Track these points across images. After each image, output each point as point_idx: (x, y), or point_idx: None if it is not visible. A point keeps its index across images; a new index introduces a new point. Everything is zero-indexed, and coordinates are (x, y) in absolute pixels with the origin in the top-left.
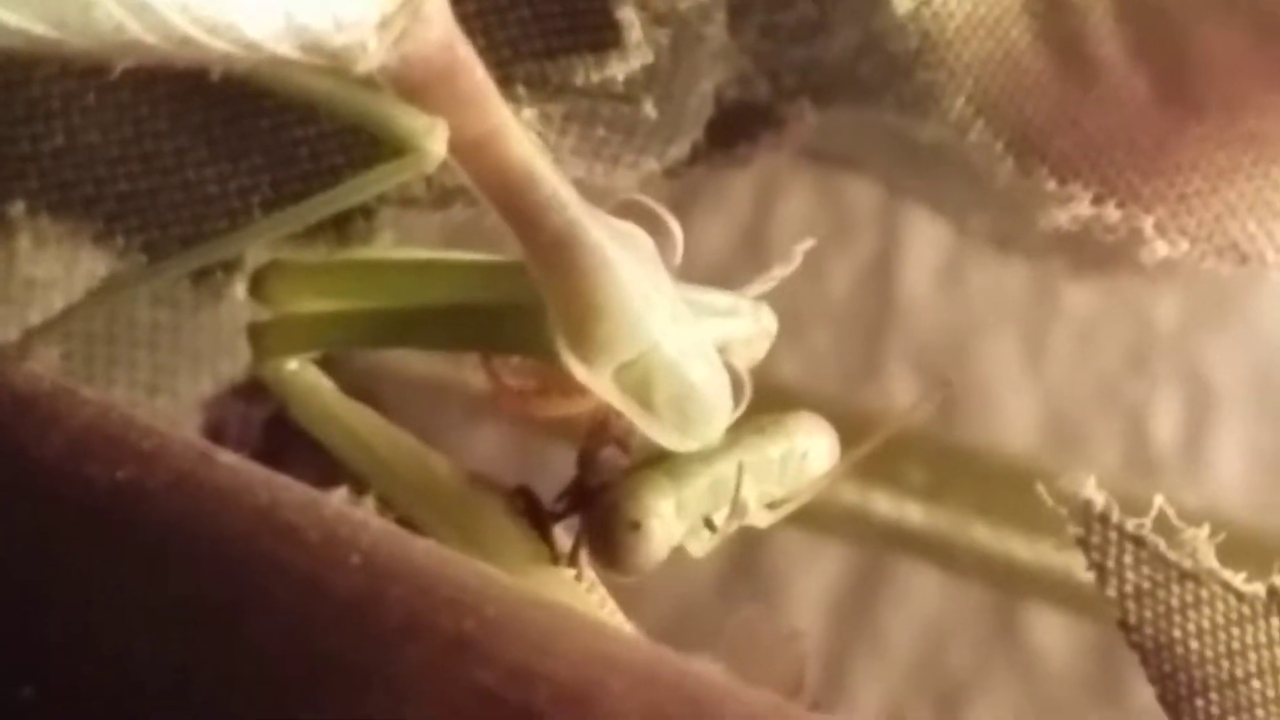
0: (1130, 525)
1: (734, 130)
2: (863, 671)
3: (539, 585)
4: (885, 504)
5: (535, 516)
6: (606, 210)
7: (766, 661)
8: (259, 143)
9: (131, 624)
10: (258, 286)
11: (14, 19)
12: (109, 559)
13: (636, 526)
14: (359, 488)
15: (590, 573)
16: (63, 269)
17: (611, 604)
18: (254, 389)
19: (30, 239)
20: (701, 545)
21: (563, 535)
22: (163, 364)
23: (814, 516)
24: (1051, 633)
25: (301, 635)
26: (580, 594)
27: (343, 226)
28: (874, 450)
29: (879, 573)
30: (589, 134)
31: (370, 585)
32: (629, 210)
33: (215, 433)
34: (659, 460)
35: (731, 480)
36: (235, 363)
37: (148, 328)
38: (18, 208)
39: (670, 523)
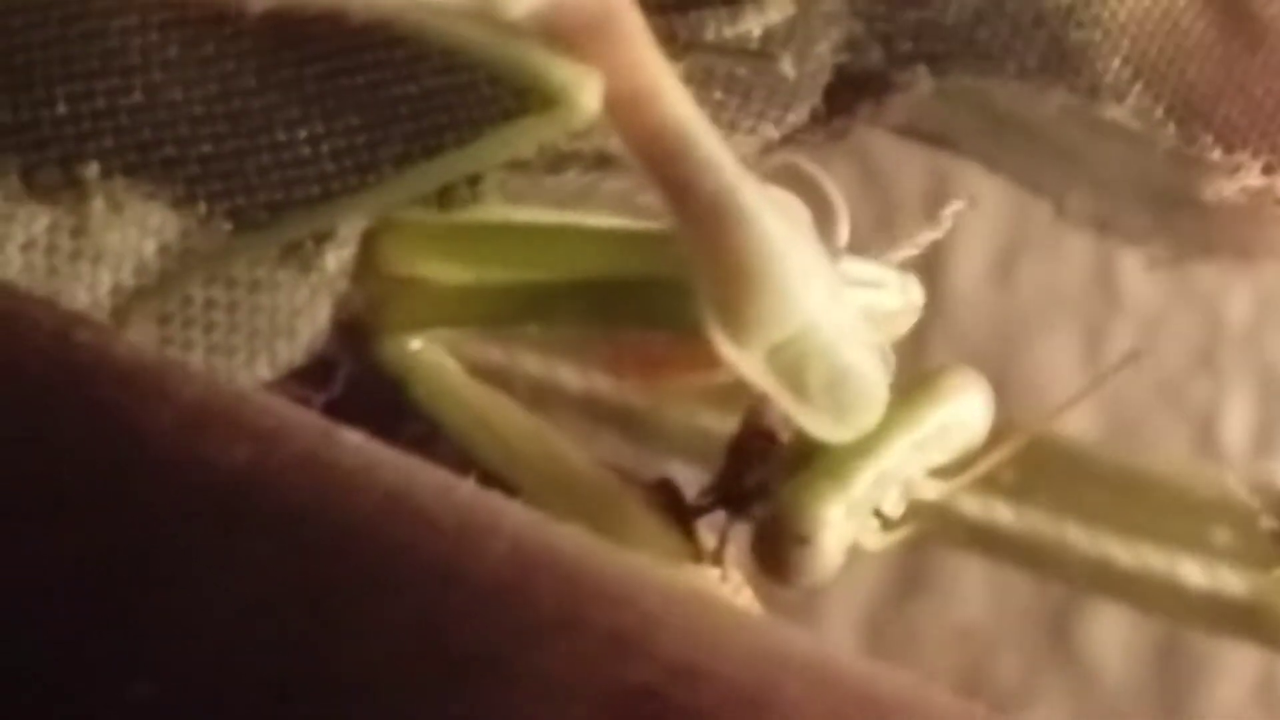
0: None
1: (835, 102)
2: None
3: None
4: (974, 504)
5: (677, 511)
6: (760, 171)
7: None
8: (355, 101)
9: (254, 614)
10: (370, 250)
11: None
12: (228, 544)
13: (806, 540)
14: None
15: (736, 573)
16: (139, 235)
17: (758, 606)
18: (311, 373)
19: (105, 203)
20: (877, 539)
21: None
22: (218, 345)
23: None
24: (1107, 640)
25: (439, 627)
26: (726, 593)
27: (444, 191)
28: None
29: (922, 574)
30: (706, 97)
31: (514, 575)
32: (785, 176)
33: None
34: (815, 455)
35: (897, 468)
36: (293, 346)
37: (202, 307)
38: (92, 169)
39: (841, 528)
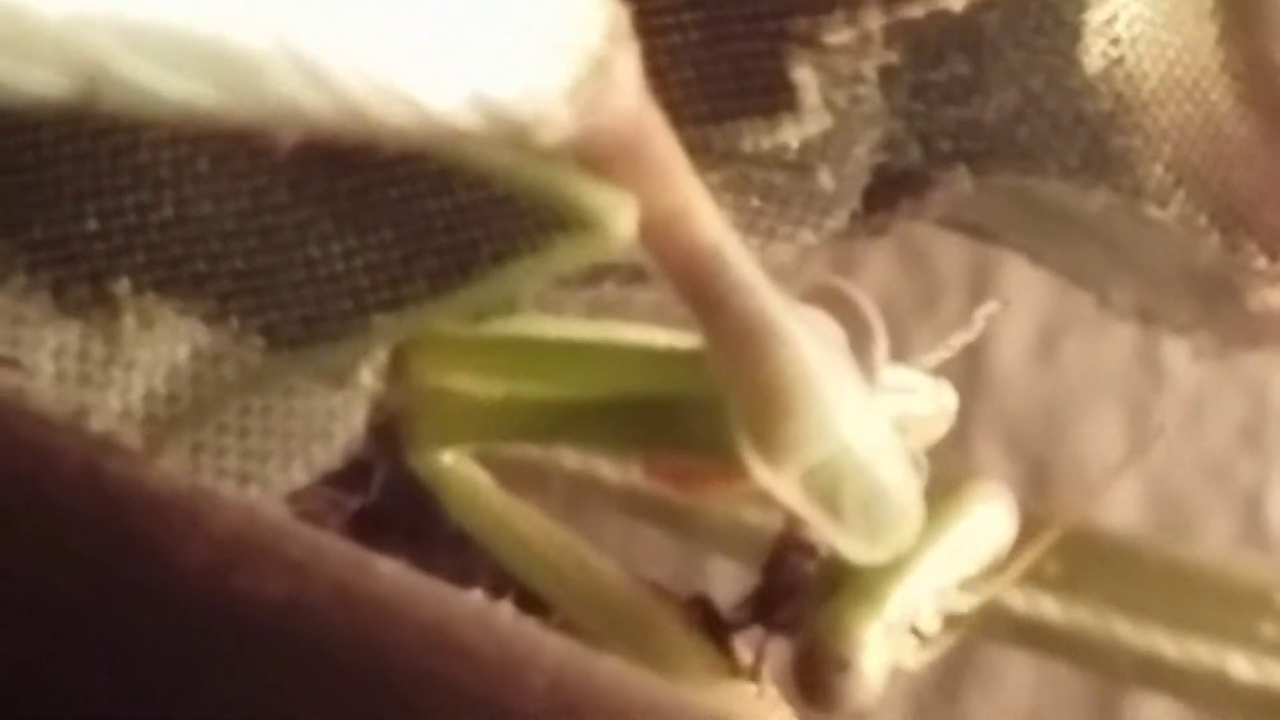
0: None
1: (875, 199)
2: None
3: (719, 700)
4: (1019, 598)
5: (713, 627)
6: (795, 291)
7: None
8: (388, 215)
9: None
10: (401, 361)
11: (183, 86)
12: (263, 679)
13: (846, 665)
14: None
15: (771, 688)
16: (170, 351)
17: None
18: (346, 476)
19: (136, 319)
20: (914, 656)
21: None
22: (252, 450)
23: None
24: None
25: None
26: (764, 709)
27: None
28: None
29: (968, 657)
30: (744, 204)
31: (558, 710)
32: (821, 297)
33: (307, 523)
34: (847, 576)
35: (930, 583)
36: (329, 449)
37: (237, 413)
38: (123, 285)
39: (879, 650)
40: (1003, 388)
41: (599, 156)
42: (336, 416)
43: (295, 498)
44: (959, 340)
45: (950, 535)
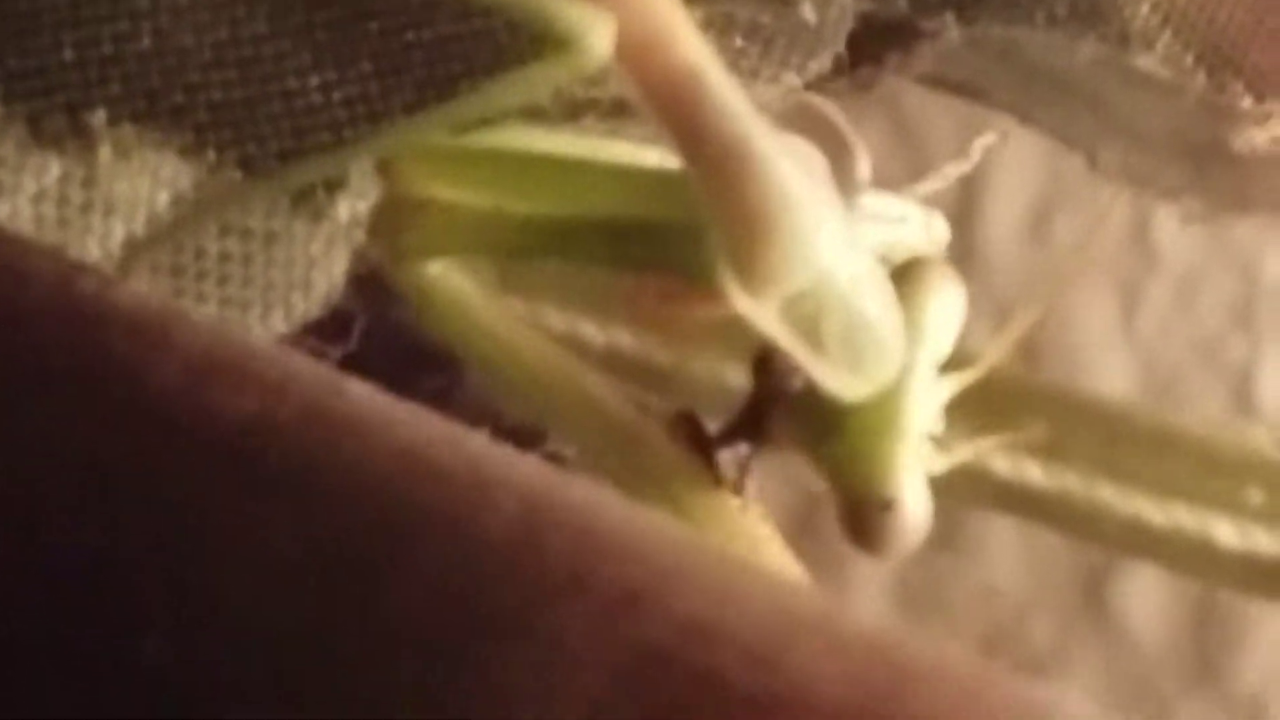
0: None
1: (861, 50)
2: None
3: (702, 513)
4: (1003, 463)
5: (698, 441)
6: (774, 112)
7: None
8: (367, 48)
9: (264, 572)
10: (387, 173)
11: None
12: (237, 498)
13: (891, 503)
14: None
15: (756, 503)
16: (149, 185)
17: (780, 539)
18: (327, 326)
19: (112, 150)
20: (939, 461)
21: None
22: (232, 298)
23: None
24: (1142, 608)
25: (453, 589)
26: (747, 524)
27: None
28: (987, 401)
29: (949, 535)
30: (725, 44)
31: (527, 532)
32: (800, 116)
33: None
34: (851, 408)
35: (927, 385)
36: (308, 298)
37: (216, 259)
38: (99, 116)
39: (918, 477)
40: (993, 264)
41: None
42: (317, 264)
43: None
44: (954, 170)
45: (930, 334)
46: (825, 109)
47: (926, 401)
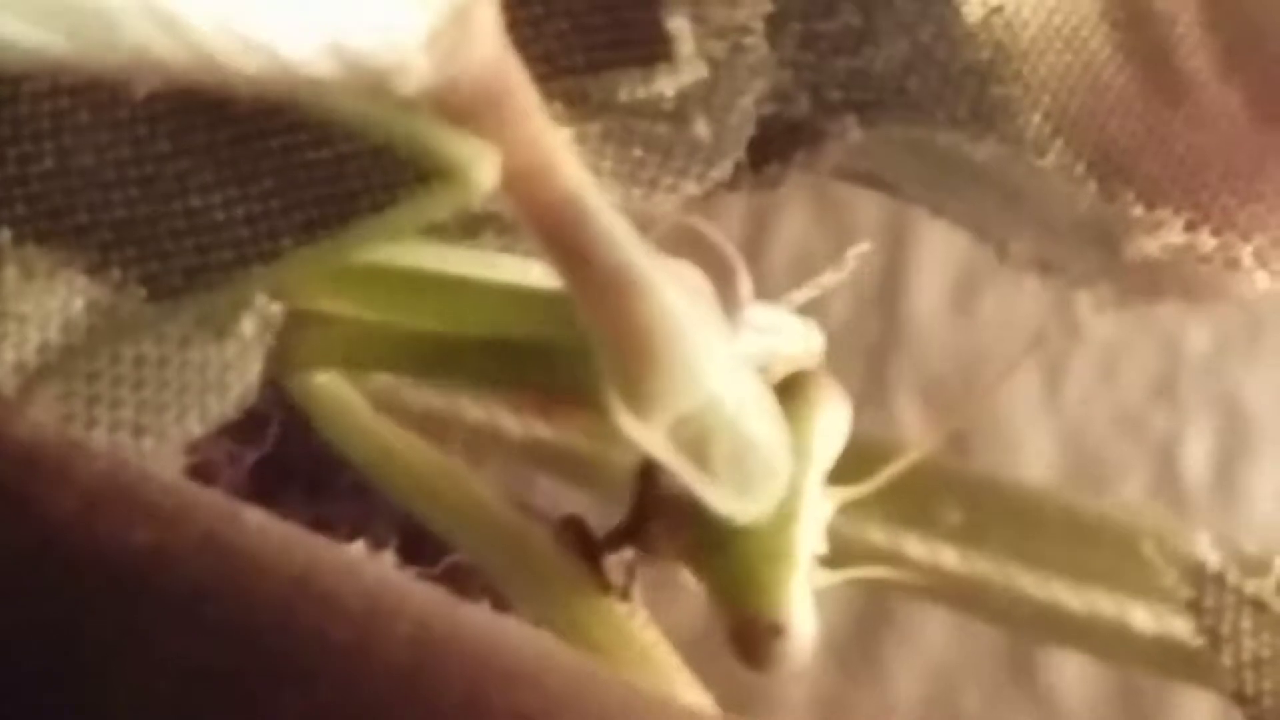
0: (1250, 587)
1: (768, 150)
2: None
3: (588, 618)
4: (918, 548)
5: (585, 547)
6: (656, 234)
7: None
8: (269, 165)
9: (158, 697)
10: (281, 287)
11: (34, 36)
12: (131, 627)
13: (782, 629)
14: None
15: (642, 609)
16: (53, 303)
17: (665, 645)
18: (243, 428)
19: (17, 270)
20: (824, 578)
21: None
22: (148, 402)
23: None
24: (1072, 681)
25: (346, 713)
26: (633, 629)
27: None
28: (903, 486)
29: (886, 611)
30: (625, 155)
31: (422, 658)
32: (680, 238)
33: (203, 475)
34: (739, 531)
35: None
36: (224, 400)
37: (132, 364)
38: (4, 236)
39: (806, 601)
40: (920, 338)
41: (459, 107)
42: (231, 368)
43: (192, 450)
44: (828, 279)
45: (816, 449)
46: (705, 230)
47: (815, 522)
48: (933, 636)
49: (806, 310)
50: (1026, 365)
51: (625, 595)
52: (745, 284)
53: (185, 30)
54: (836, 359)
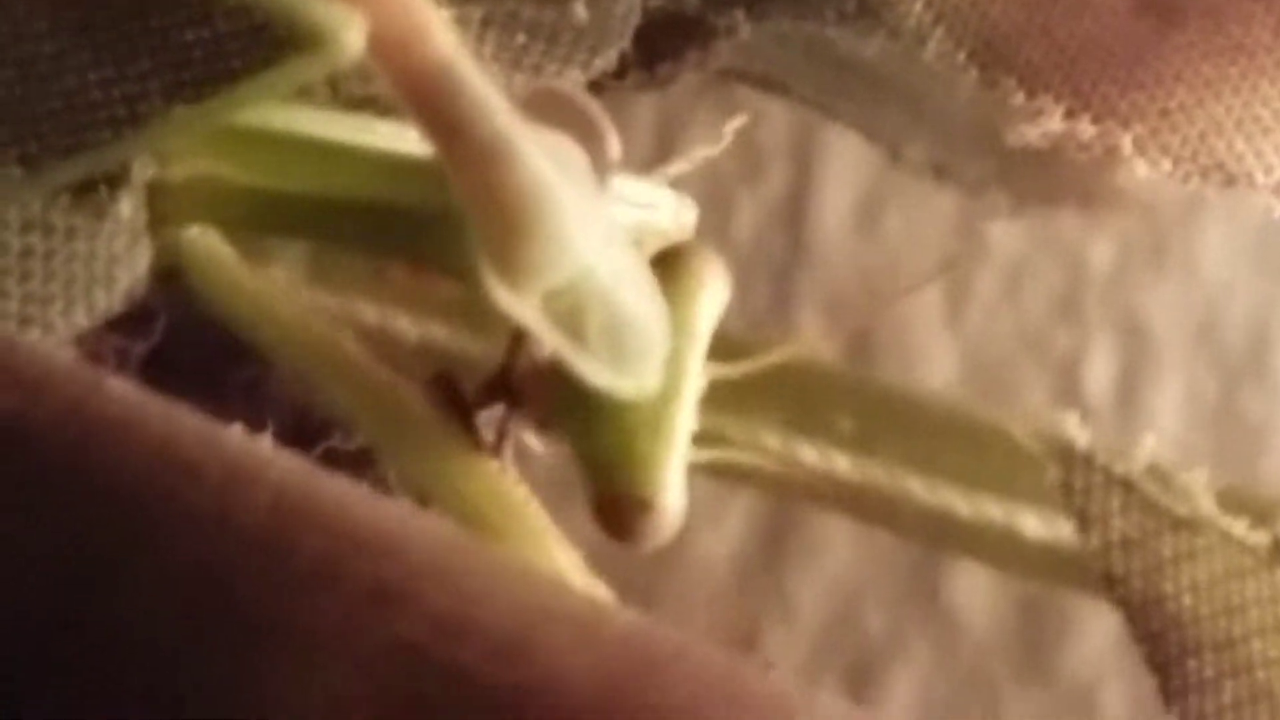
0: (1119, 468)
1: (659, 47)
2: (771, 637)
3: (460, 475)
4: (811, 454)
5: (455, 404)
6: (524, 97)
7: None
8: (147, 45)
9: (9, 569)
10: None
11: None
12: None
13: (649, 505)
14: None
15: (513, 469)
16: None
17: (536, 502)
18: (131, 322)
19: None
20: (701, 455)
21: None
22: (33, 294)
23: (726, 466)
24: (974, 598)
25: (201, 583)
26: (504, 486)
27: None
28: (797, 392)
29: (788, 529)
30: (508, 41)
31: (279, 528)
32: (546, 104)
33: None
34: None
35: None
36: (111, 294)
37: (17, 255)
38: None
39: (679, 482)
40: (825, 256)
41: None
42: (119, 260)
43: (79, 342)
44: (702, 153)
45: (696, 327)
46: (572, 93)
47: (691, 399)
48: (836, 550)
49: (711, 228)
50: (930, 282)
51: (496, 452)
52: (613, 145)
53: None
54: (741, 276)
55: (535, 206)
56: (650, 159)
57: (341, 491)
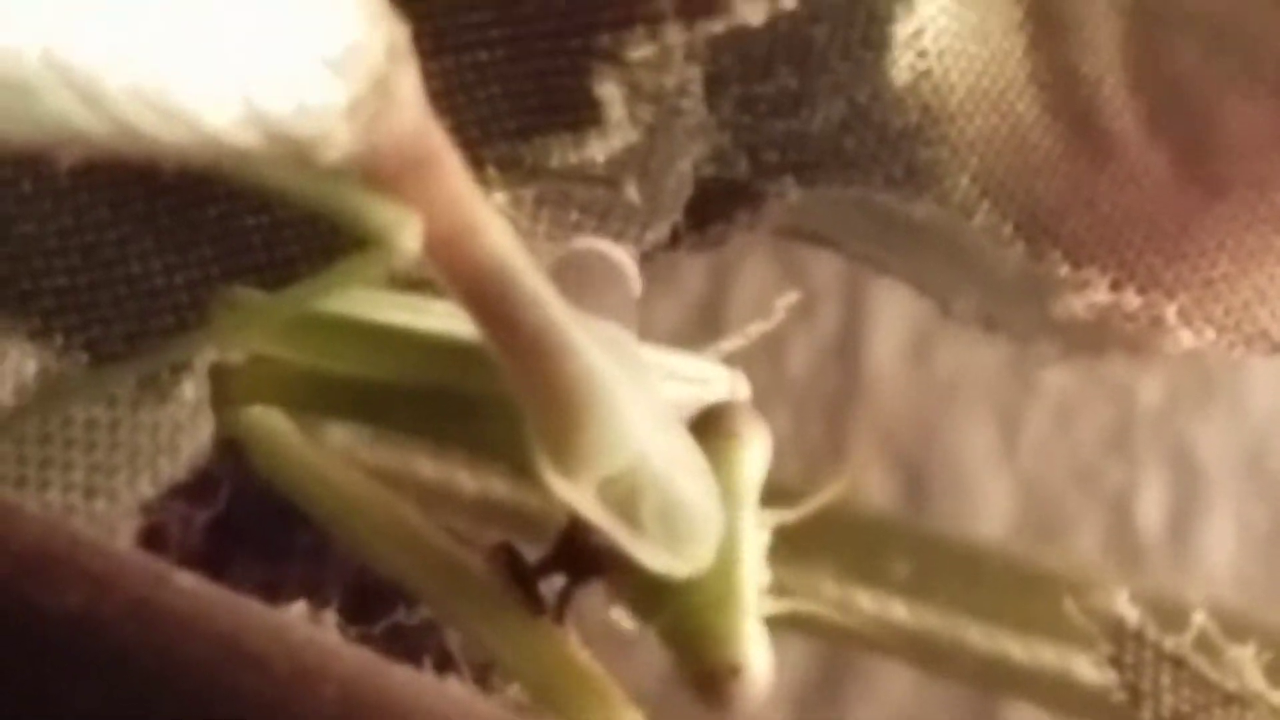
0: (1169, 644)
1: (710, 210)
2: None
3: (522, 642)
4: (867, 600)
5: (517, 572)
6: (558, 256)
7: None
8: (208, 233)
9: None
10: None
11: None
12: (61, 691)
13: (739, 670)
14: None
15: (573, 633)
16: (5, 366)
17: (597, 665)
18: (195, 490)
19: None
20: (777, 606)
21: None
22: (99, 464)
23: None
24: None
25: None
26: (570, 653)
27: None
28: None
29: (846, 668)
30: (562, 219)
31: (346, 718)
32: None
33: (155, 536)
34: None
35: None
36: (175, 462)
37: (83, 426)
38: None
39: (761, 638)
40: (878, 395)
41: (382, 174)
42: (182, 430)
43: (144, 510)
44: (756, 329)
45: (745, 489)
46: (606, 248)
47: (754, 559)
48: (895, 688)
49: (768, 367)
50: (983, 418)
51: (559, 619)
52: (636, 285)
53: (104, 101)
54: (796, 415)
55: (589, 398)
56: (705, 301)
57: (404, 681)
